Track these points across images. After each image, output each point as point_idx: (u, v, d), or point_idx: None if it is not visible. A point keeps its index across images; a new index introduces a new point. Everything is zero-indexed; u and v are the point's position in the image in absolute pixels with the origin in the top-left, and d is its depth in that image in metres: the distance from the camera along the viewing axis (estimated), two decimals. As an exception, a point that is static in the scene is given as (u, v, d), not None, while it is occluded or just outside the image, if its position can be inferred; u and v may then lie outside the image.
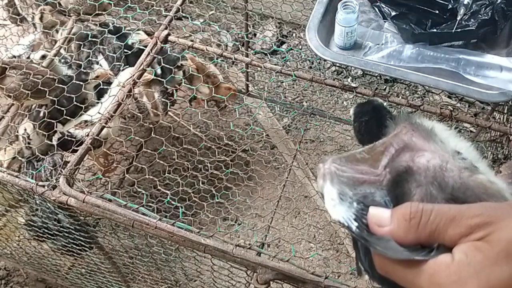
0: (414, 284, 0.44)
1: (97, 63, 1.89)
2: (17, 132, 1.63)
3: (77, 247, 1.45)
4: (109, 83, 1.76)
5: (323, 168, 0.55)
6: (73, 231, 1.34)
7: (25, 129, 1.62)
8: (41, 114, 1.66)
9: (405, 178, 0.54)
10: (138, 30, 1.93)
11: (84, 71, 1.74)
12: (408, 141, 0.57)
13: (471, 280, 0.41)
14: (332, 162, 0.55)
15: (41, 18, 1.88)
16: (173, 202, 1.35)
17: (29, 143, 1.62)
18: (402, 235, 0.46)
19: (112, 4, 1.83)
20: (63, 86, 1.46)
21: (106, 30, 1.78)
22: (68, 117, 1.63)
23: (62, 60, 1.80)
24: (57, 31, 1.87)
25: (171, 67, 1.74)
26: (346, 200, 0.52)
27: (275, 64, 1.53)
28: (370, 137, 0.67)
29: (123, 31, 1.91)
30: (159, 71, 1.78)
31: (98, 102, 1.67)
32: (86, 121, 1.67)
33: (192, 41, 1.48)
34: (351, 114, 0.72)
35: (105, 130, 1.27)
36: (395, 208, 0.47)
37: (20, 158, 1.61)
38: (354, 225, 0.50)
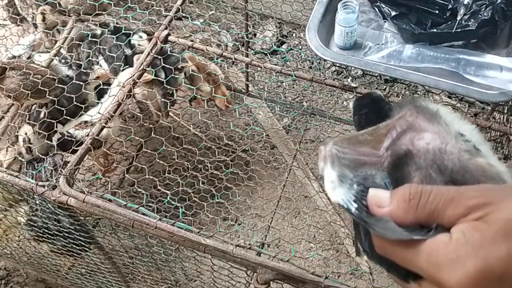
0: (412, 263, 0.45)
1: (97, 63, 1.89)
2: (18, 132, 1.63)
3: (77, 247, 1.45)
4: (109, 84, 1.77)
5: (324, 150, 0.55)
6: (73, 231, 1.34)
7: (26, 133, 1.61)
8: (42, 115, 1.65)
9: (405, 162, 0.55)
10: (141, 36, 1.93)
11: (85, 71, 1.74)
12: (412, 122, 0.57)
13: (469, 258, 0.41)
14: (333, 144, 0.56)
15: (43, 19, 1.88)
16: (173, 202, 1.35)
17: (29, 147, 1.62)
18: (401, 216, 0.46)
19: (112, 4, 1.83)
20: (63, 86, 1.46)
21: (106, 30, 1.78)
22: (68, 117, 1.63)
23: (63, 61, 1.80)
24: (58, 31, 1.88)
25: (171, 67, 1.74)
26: (346, 182, 0.52)
27: (275, 64, 1.53)
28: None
29: (123, 31, 1.91)
30: (163, 76, 1.78)
31: (98, 103, 1.67)
32: (86, 122, 1.67)
33: (192, 41, 1.48)
34: (351, 108, 0.72)
35: (105, 130, 1.27)
36: (395, 189, 0.48)
37: (20, 158, 1.61)
38: (353, 206, 0.50)
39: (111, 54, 1.83)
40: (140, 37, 1.92)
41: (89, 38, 1.78)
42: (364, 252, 0.54)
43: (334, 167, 0.54)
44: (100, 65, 1.88)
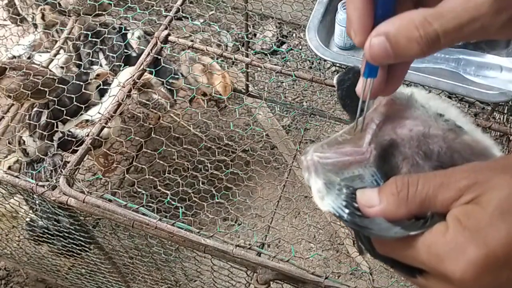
0: (414, 259, 0.44)
1: (98, 62, 1.90)
2: (18, 138, 1.64)
3: (77, 247, 1.45)
4: (108, 83, 1.77)
5: (306, 160, 0.53)
6: (73, 231, 1.34)
7: (21, 136, 1.63)
8: (43, 117, 1.66)
9: (391, 152, 0.52)
10: (133, 33, 1.93)
11: (85, 71, 1.74)
12: (388, 112, 0.54)
13: (469, 244, 0.40)
14: (314, 151, 0.54)
15: (42, 17, 1.88)
16: (173, 202, 1.35)
17: (25, 150, 1.63)
18: (393, 210, 0.45)
19: (112, 4, 1.83)
20: (63, 86, 1.46)
21: (106, 30, 1.78)
22: (68, 117, 1.63)
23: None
24: (57, 31, 1.88)
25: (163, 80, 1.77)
26: (333, 188, 0.51)
27: (275, 64, 1.53)
28: (350, 101, 0.65)
29: (123, 31, 1.91)
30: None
31: (99, 102, 1.67)
32: (87, 120, 1.68)
33: (192, 41, 1.48)
34: (335, 83, 0.70)
35: (105, 130, 1.27)
36: (382, 186, 0.47)
37: (20, 158, 1.61)
38: (345, 212, 0.49)
39: (111, 54, 1.84)
40: (132, 34, 1.93)
41: (89, 38, 1.78)
42: (366, 250, 0.52)
43: (319, 175, 0.52)
44: (101, 64, 1.89)
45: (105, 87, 1.73)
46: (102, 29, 1.75)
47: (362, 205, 0.47)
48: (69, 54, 1.86)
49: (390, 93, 0.51)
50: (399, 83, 0.51)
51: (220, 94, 1.99)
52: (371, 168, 0.53)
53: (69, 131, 1.67)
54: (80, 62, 1.84)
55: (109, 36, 1.84)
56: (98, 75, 1.74)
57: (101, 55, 1.91)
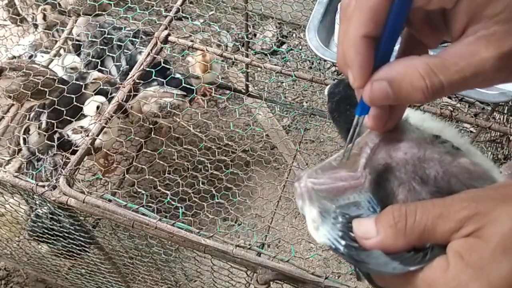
0: None
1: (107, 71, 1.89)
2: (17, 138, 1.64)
3: (77, 248, 1.45)
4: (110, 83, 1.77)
5: (299, 187, 0.52)
6: (73, 232, 1.34)
7: (25, 139, 1.63)
8: (43, 117, 1.66)
9: (386, 178, 0.51)
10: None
11: (83, 75, 1.74)
12: (382, 136, 0.53)
13: (472, 283, 0.39)
14: (307, 177, 0.52)
15: (44, 17, 1.88)
16: (173, 203, 1.35)
17: (29, 149, 1.63)
18: (391, 243, 0.43)
19: (112, 4, 1.83)
20: (64, 87, 1.46)
21: (106, 30, 1.78)
22: (69, 118, 1.63)
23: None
24: (57, 31, 1.88)
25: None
26: (329, 217, 0.49)
27: (275, 65, 1.52)
28: (339, 115, 0.64)
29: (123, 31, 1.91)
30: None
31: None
32: (82, 127, 1.69)
33: (192, 41, 1.48)
34: (326, 95, 0.69)
35: (97, 141, 1.26)
36: (378, 216, 0.45)
37: (20, 158, 1.61)
38: (341, 245, 0.47)
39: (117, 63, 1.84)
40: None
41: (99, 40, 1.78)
42: (365, 279, 0.50)
43: (313, 202, 0.50)
44: (110, 72, 1.89)
45: (105, 87, 1.73)
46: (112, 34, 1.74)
47: (359, 236, 0.45)
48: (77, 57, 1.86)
49: (389, 128, 0.51)
50: (398, 120, 0.51)
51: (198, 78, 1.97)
52: (366, 193, 0.51)
53: (67, 133, 1.67)
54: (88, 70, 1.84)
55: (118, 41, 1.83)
56: (95, 79, 1.74)
57: (110, 62, 1.90)
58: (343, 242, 0.47)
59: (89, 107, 1.64)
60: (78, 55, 1.93)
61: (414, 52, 0.46)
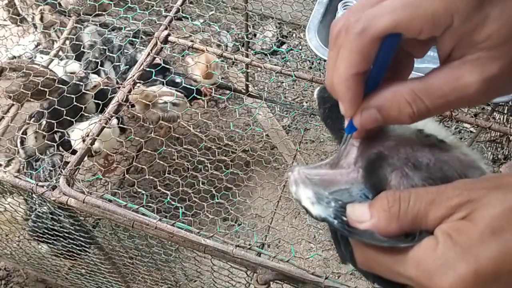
0: (401, 274, 0.43)
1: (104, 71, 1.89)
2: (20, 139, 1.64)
3: (77, 248, 1.45)
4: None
5: (292, 175, 0.53)
6: (73, 232, 1.34)
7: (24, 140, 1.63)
8: (43, 117, 1.66)
9: (379, 165, 0.51)
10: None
11: (82, 80, 1.74)
12: (367, 136, 0.53)
13: (459, 261, 0.39)
14: (299, 169, 0.53)
15: (41, 19, 1.88)
16: (173, 203, 1.35)
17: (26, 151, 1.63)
18: (384, 226, 0.44)
19: (112, 5, 1.83)
20: (64, 87, 1.46)
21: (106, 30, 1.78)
22: (69, 118, 1.63)
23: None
24: (56, 32, 1.88)
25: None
26: (322, 200, 0.50)
27: (275, 65, 1.52)
28: (332, 122, 0.64)
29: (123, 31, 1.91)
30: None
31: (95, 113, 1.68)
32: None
33: (192, 41, 1.48)
34: (315, 98, 0.68)
35: (96, 144, 1.26)
36: (372, 201, 0.46)
37: (19, 158, 1.61)
38: (334, 221, 0.48)
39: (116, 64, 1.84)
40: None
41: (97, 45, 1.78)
42: (348, 261, 0.51)
43: (307, 186, 0.51)
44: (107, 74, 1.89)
45: (104, 87, 1.73)
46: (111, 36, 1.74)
47: (352, 220, 0.46)
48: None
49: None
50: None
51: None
52: (358, 183, 0.52)
53: (67, 133, 1.67)
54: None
55: (118, 44, 1.83)
56: (95, 86, 1.73)
57: (108, 65, 1.90)
58: (336, 222, 0.48)
59: (75, 134, 1.65)
60: (78, 56, 1.92)
61: (401, 62, 0.50)
